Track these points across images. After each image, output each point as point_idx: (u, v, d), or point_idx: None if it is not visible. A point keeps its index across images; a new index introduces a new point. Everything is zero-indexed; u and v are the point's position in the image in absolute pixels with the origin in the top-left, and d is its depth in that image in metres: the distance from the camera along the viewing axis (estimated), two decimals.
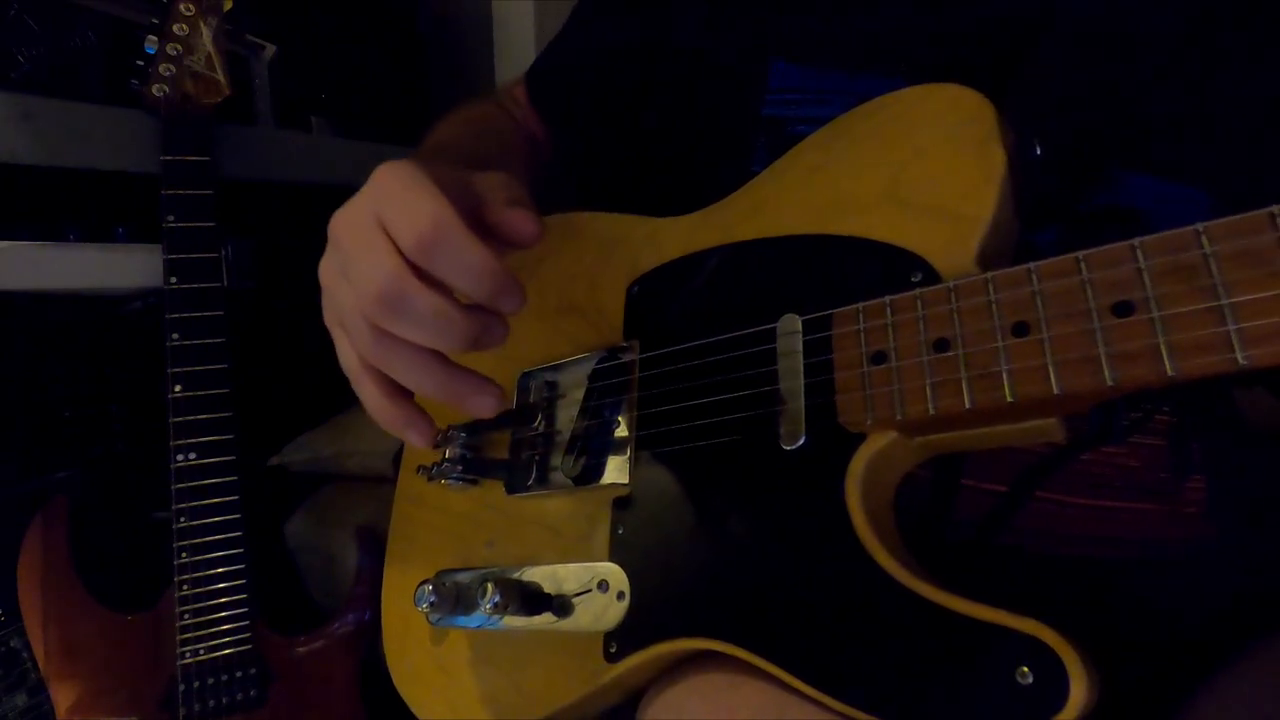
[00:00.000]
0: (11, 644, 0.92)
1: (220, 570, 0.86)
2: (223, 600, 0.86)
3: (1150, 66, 0.46)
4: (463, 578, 0.57)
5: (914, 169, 0.44)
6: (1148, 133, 0.47)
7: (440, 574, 0.60)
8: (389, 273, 0.38)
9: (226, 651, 0.86)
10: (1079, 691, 0.31)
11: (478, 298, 0.40)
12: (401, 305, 0.39)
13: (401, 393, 0.45)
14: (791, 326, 0.45)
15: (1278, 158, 0.47)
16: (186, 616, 0.85)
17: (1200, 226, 0.32)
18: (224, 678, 0.86)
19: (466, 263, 0.39)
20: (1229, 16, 0.45)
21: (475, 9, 1.40)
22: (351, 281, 0.41)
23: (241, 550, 0.87)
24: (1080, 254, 0.35)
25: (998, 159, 0.40)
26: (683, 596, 0.46)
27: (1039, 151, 0.42)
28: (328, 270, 0.44)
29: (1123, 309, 0.33)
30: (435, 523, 0.65)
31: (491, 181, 0.45)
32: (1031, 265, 0.36)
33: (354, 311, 0.41)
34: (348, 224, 0.41)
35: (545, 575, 0.53)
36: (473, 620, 0.55)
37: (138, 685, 0.85)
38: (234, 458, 0.87)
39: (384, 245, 0.39)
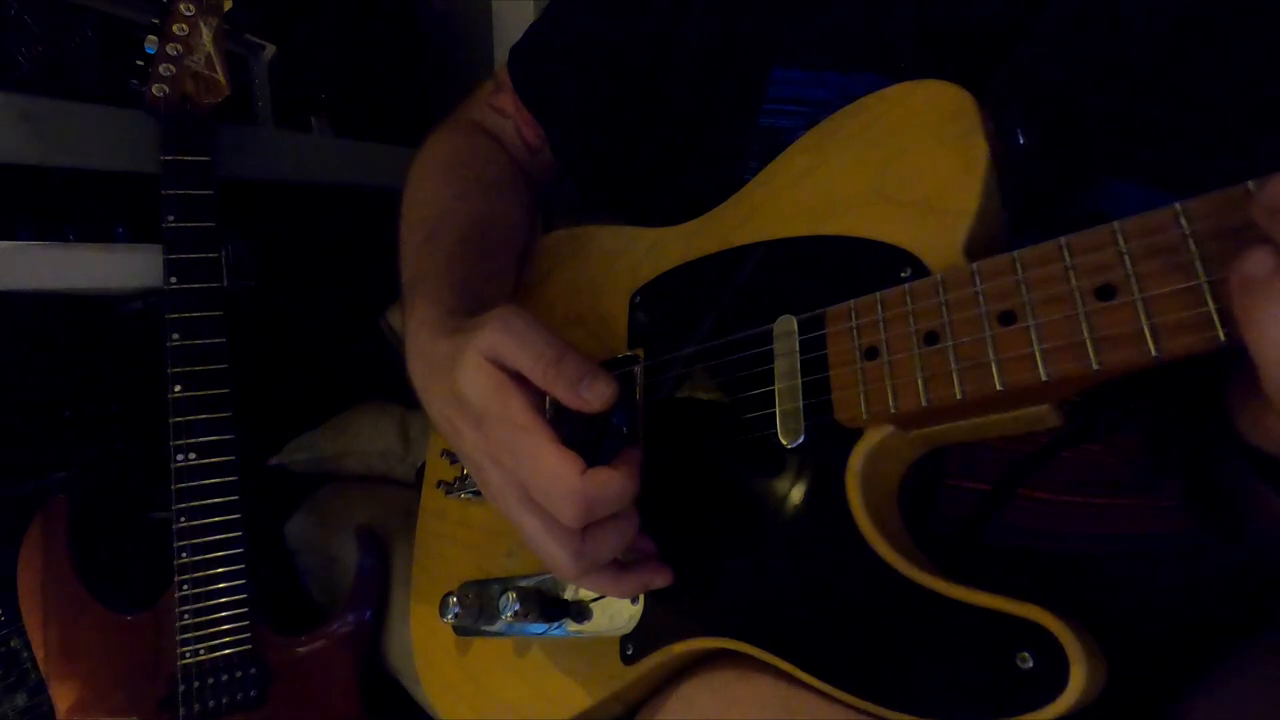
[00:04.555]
0: (11, 644, 0.92)
1: (220, 570, 0.86)
2: (222, 600, 0.86)
3: (1137, 62, 0.46)
4: (485, 588, 0.58)
5: (899, 165, 0.44)
6: (1134, 136, 0.46)
7: (464, 585, 0.60)
8: (571, 558, 0.43)
9: (226, 651, 0.86)
10: (1079, 676, 0.31)
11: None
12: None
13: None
14: (787, 327, 0.45)
15: (1267, 166, 0.46)
16: (186, 616, 0.85)
17: (1179, 206, 0.32)
18: (224, 677, 0.86)
19: (620, 501, 0.43)
20: (1217, 19, 0.45)
21: (475, 9, 1.40)
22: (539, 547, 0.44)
23: (241, 550, 0.87)
24: (1063, 239, 0.35)
25: (979, 151, 0.40)
26: (693, 597, 0.47)
27: (1022, 141, 0.42)
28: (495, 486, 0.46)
29: (1105, 292, 0.33)
30: (457, 536, 0.65)
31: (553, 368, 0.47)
32: (1015, 253, 0.36)
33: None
34: (498, 489, 0.45)
35: (563, 582, 0.53)
36: (495, 629, 0.55)
37: (138, 685, 0.85)
38: (234, 458, 0.87)
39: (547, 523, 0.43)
